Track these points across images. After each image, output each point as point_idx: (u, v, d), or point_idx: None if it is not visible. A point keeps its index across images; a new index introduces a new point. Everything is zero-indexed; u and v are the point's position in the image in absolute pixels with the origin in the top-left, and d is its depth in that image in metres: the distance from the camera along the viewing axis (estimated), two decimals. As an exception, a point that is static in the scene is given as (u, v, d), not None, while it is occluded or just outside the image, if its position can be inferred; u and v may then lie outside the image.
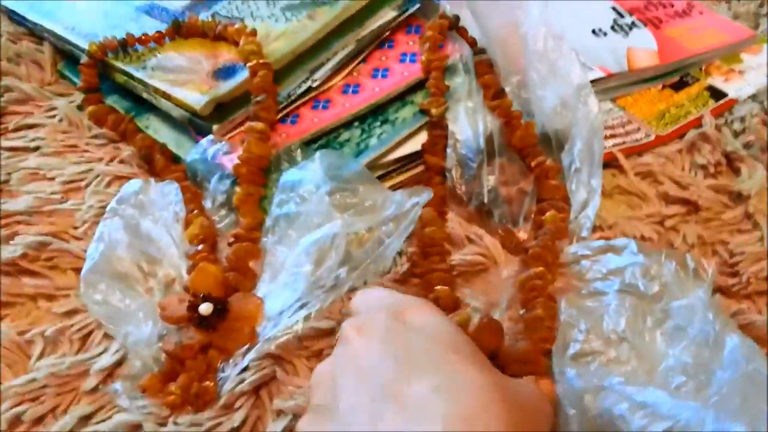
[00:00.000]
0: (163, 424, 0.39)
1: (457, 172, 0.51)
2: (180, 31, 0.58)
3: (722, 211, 0.50)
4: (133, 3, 0.63)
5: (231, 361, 0.42)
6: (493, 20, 0.59)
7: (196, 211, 0.49)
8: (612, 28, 0.64)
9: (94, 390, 0.41)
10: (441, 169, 0.51)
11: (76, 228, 0.49)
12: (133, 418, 0.39)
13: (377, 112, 0.54)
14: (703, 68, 0.62)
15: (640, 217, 0.50)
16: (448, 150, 0.52)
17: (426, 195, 0.45)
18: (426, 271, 0.45)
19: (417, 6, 0.60)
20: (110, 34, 0.58)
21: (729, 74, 0.61)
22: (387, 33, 0.59)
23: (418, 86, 0.56)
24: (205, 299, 0.43)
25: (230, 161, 0.50)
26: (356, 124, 0.53)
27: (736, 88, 0.60)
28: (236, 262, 0.46)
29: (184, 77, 0.54)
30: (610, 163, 0.53)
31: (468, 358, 0.31)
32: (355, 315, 0.37)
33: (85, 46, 0.58)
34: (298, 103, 0.54)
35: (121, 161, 0.54)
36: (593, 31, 0.63)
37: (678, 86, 0.60)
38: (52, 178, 0.52)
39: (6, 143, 0.55)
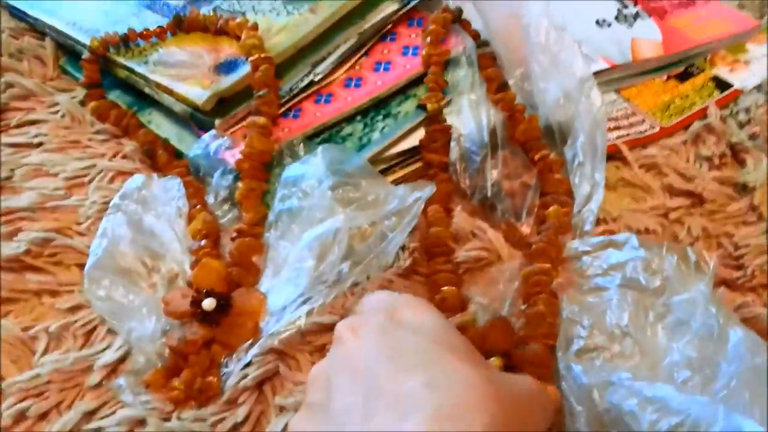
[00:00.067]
0: (166, 420, 0.39)
1: (461, 166, 0.51)
2: (181, 25, 0.58)
3: (727, 203, 0.49)
4: (134, -2, 0.63)
5: (234, 356, 0.42)
6: (496, 12, 0.59)
7: (198, 207, 0.49)
8: (616, 18, 0.63)
9: (98, 385, 0.41)
10: (442, 164, 0.51)
11: (79, 224, 0.49)
12: (136, 413, 0.39)
13: (379, 105, 0.54)
14: (708, 58, 0.61)
15: (644, 209, 0.50)
16: (452, 143, 0.51)
17: (429, 189, 0.45)
18: (432, 272, 0.45)
19: (419, -2, 0.60)
20: (112, 30, 0.58)
21: (734, 64, 0.61)
22: (389, 26, 0.59)
23: (421, 79, 0.55)
24: (208, 294, 0.43)
25: (232, 156, 0.50)
26: (358, 118, 0.53)
27: (741, 78, 0.59)
28: (239, 258, 0.46)
29: (185, 72, 0.54)
30: (614, 155, 0.53)
31: (461, 355, 0.31)
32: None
33: (86, 41, 0.58)
34: (300, 97, 0.54)
35: (124, 157, 0.54)
36: (597, 22, 0.63)
37: (683, 77, 0.60)
38: (55, 174, 0.52)
39: (8, 139, 0.55)
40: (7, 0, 0.66)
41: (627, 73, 0.59)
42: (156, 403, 0.40)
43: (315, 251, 0.43)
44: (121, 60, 0.57)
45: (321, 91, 0.55)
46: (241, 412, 0.39)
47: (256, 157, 0.49)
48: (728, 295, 0.44)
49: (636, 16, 0.64)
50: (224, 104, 0.53)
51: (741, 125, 0.55)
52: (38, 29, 0.65)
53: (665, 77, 0.60)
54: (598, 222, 0.48)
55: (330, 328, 0.43)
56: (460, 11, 0.59)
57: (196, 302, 0.42)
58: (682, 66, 0.61)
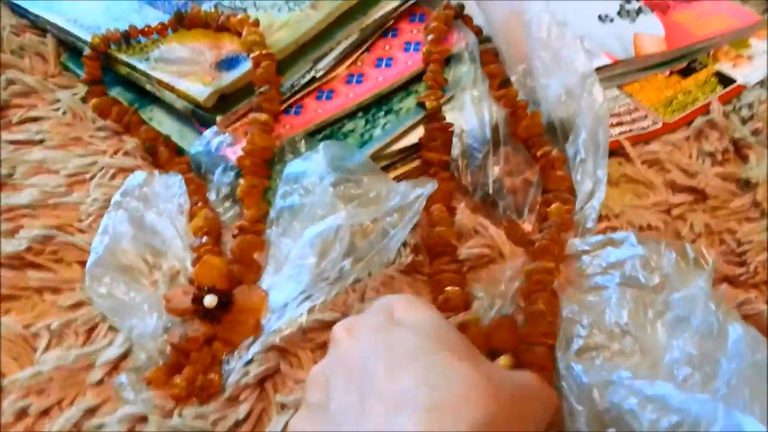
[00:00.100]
0: (168, 417, 0.39)
1: (463, 163, 0.51)
2: (183, 21, 0.58)
3: (730, 200, 0.49)
4: (135, -6, 0.63)
5: (236, 353, 0.42)
6: (497, 8, 0.59)
7: (200, 204, 0.49)
8: (618, 13, 0.63)
9: (100, 383, 0.41)
10: (442, 163, 0.50)
11: (80, 221, 0.49)
12: (138, 410, 0.39)
13: (381, 102, 0.54)
14: (711, 54, 0.61)
15: (646, 205, 0.49)
16: (454, 140, 0.51)
17: (431, 186, 0.45)
18: (435, 272, 0.45)
19: (421, -7, 0.59)
20: (113, 26, 0.58)
21: (737, 60, 0.61)
22: (390, 22, 0.59)
23: (422, 76, 0.55)
24: (210, 291, 0.43)
25: (234, 153, 0.50)
26: (360, 114, 0.53)
27: (744, 73, 0.59)
28: (240, 255, 0.46)
29: (187, 68, 0.54)
30: (616, 151, 0.53)
31: (457, 352, 0.31)
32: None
33: (87, 38, 0.58)
34: (301, 93, 0.54)
35: (125, 153, 0.54)
36: (599, 17, 0.63)
37: (686, 72, 0.60)
38: (57, 171, 0.52)
39: (10, 136, 0.55)
40: (8, -3, 0.66)
41: (629, 68, 0.59)
42: (157, 401, 0.40)
43: (316, 248, 0.43)
44: (122, 57, 0.57)
45: (322, 88, 0.55)
46: (242, 410, 0.39)
47: (258, 153, 0.49)
48: (730, 292, 0.44)
49: (638, 11, 0.63)
50: (226, 101, 0.52)
51: (744, 121, 0.55)
52: (39, 26, 0.65)
53: (668, 73, 0.60)
54: (600, 218, 0.48)
55: (331, 325, 0.42)
56: (462, 7, 0.59)
57: (197, 299, 0.42)
58: (684, 61, 0.61)
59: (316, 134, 0.52)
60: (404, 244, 0.47)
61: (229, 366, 0.41)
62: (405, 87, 0.55)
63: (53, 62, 0.62)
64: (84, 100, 0.58)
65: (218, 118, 0.52)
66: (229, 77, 0.53)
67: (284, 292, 0.43)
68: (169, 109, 0.55)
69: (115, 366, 0.42)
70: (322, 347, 0.42)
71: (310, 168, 0.47)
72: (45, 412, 0.40)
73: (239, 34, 0.55)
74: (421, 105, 0.53)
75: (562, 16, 0.55)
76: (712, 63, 0.60)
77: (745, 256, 0.46)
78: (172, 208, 0.49)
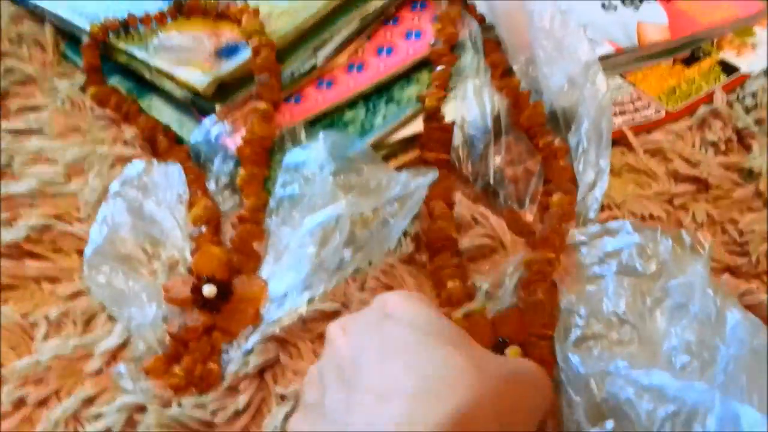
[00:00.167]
0: (166, 406, 0.39)
1: (464, 152, 0.51)
2: (182, 10, 0.58)
3: (732, 189, 0.49)
4: (134, -18, 0.62)
5: (235, 343, 0.42)
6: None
7: (199, 193, 0.49)
8: (622, 1, 0.62)
9: (98, 372, 0.41)
10: (441, 162, 0.50)
11: (79, 210, 0.49)
12: (136, 400, 0.39)
13: (382, 90, 0.53)
14: (715, 42, 0.61)
15: (648, 195, 0.49)
16: (455, 129, 0.51)
17: (431, 175, 0.45)
18: (437, 267, 0.45)
19: (422, -18, 0.59)
20: (112, 15, 0.57)
21: (741, 48, 0.60)
22: (392, 10, 0.58)
23: (424, 64, 0.55)
24: (209, 281, 0.42)
25: (233, 142, 0.50)
26: (361, 103, 0.53)
27: (748, 62, 0.58)
28: (240, 244, 0.46)
29: (186, 57, 0.54)
30: (619, 140, 0.52)
31: (446, 341, 0.31)
32: None
33: (86, 26, 0.57)
34: (302, 82, 0.54)
35: (124, 143, 0.54)
36: (603, 5, 0.62)
37: (689, 61, 0.59)
38: (55, 161, 0.52)
39: (8, 125, 0.55)
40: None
41: (633, 57, 0.59)
42: (156, 390, 0.40)
43: (316, 237, 0.43)
44: (121, 45, 0.57)
45: (323, 76, 0.54)
46: (241, 400, 0.39)
47: (257, 142, 0.49)
48: (732, 282, 0.43)
49: (642, -1, 0.63)
50: (225, 89, 0.52)
51: (747, 110, 0.54)
52: (38, 15, 0.64)
53: (671, 61, 0.59)
54: (602, 208, 0.48)
55: (331, 315, 0.43)
56: (465, -4, 0.58)
57: (196, 289, 0.42)
58: (688, 50, 0.60)
59: (316, 123, 0.52)
60: (405, 234, 0.46)
61: (229, 356, 0.41)
62: (406, 76, 0.54)
63: (52, 51, 0.62)
64: (83, 89, 0.58)
65: (218, 107, 0.51)
66: (228, 66, 0.52)
67: (284, 281, 0.43)
68: (168, 97, 0.55)
69: (114, 355, 0.42)
70: (322, 338, 0.41)
71: (310, 157, 0.47)
72: (43, 402, 0.40)
73: (239, 22, 0.55)
74: (418, 99, 0.52)
75: (565, 5, 0.54)
76: (716, 52, 0.60)
77: (747, 246, 0.46)
78: (171, 198, 0.49)
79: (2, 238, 0.46)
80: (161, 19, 0.57)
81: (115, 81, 0.58)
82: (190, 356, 0.40)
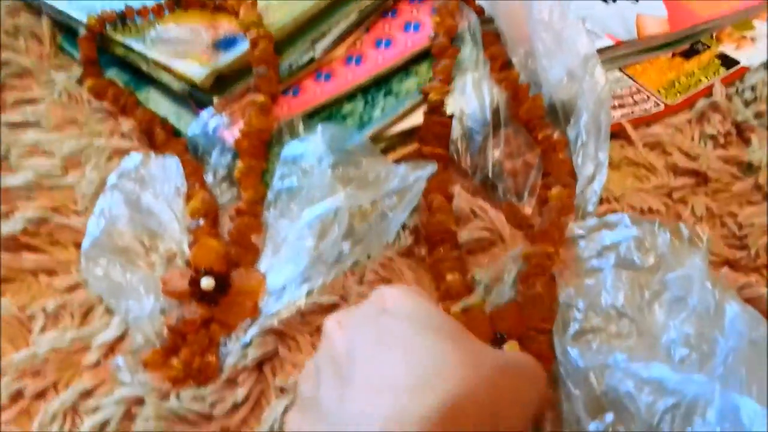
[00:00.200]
0: (165, 399, 0.39)
1: (462, 145, 0.50)
2: (179, 2, 0.58)
3: (731, 183, 0.49)
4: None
5: (233, 336, 0.41)
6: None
7: (197, 186, 0.49)
8: (621, -6, 0.62)
9: (96, 365, 0.41)
10: (438, 156, 0.50)
11: (76, 203, 0.49)
12: (134, 392, 0.39)
13: (381, 83, 0.53)
14: (715, 35, 0.61)
15: (647, 189, 0.49)
16: (454, 122, 0.51)
17: (430, 168, 0.45)
18: (436, 260, 0.45)
19: (421, -26, 0.59)
20: (109, 7, 0.57)
21: (741, 41, 0.60)
22: (390, 2, 0.58)
23: (423, 57, 0.54)
24: (207, 274, 0.42)
25: (231, 135, 0.49)
26: (359, 96, 0.53)
27: (747, 55, 0.58)
28: (238, 237, 0.45)
29: (183, 49, 0.54)
30: (618, 133, 0.52)
31: (443, 335, 0.31)
32: None
33: (83, 19, 0.57)
34: (300, 74, 0.53)
35: (122, 135, 0.53)
36: (602, -1, 0.62)
37: (688, 54, 0.59)
38: (52, 153, 0.52)
39: (5, 118, 0.54)
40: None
41: (632, 50, 0.59)
42: (154, 383, 0.39)
43: (315, 230, 0.43)
44: (118, 37, 0.56)
45: (321, 69, 0.54)
46: (240, 393, 0.39)
47: (255, 135, 0.49)
48: (731, 276, 0.43)
49: (641, -8, 0.63)
50: (223, 82, 0.52)
51: (747, 103, 0.54)
52: (35, 7, 0.64)
53: (670, 54, 0.59)
54: (600, 201, 0.48)
55: (330, 308, 0.42)
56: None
57: (194, 282, 0.42)
58: (687, 43, 0.60)
59: (314, 116, 0.52)
60: (403, 227, 0.46)
61: (227, 349, 0.41)
62: (405, 68, 0.54)
63: (48, 43, 0.62)
64: (80, 81, 0.58)
65: (215, 100, 0.51)
66: (226, 58, 0.52)
67: (282, 274, 0.43)
68: (166, 90, 0.55)
69: (112, 348, 0.42)
70: (320, 331, 0.41)
71: (308, 150, 0.47)
72: (40, 394, 0.40)
73: (236, 14, 0.55)
74: (421, 92, 0.52)
75: (564, -2, 0.54)
76: (715, 44, 0.60)
77: (746, 239, 0.46)
78: (168, 190, 0.48)
79: (0, 231, 0.46)
80: (159, 11, 0.57)
81: (112, 73, 0.58)
82: (188, 349, 0.40)
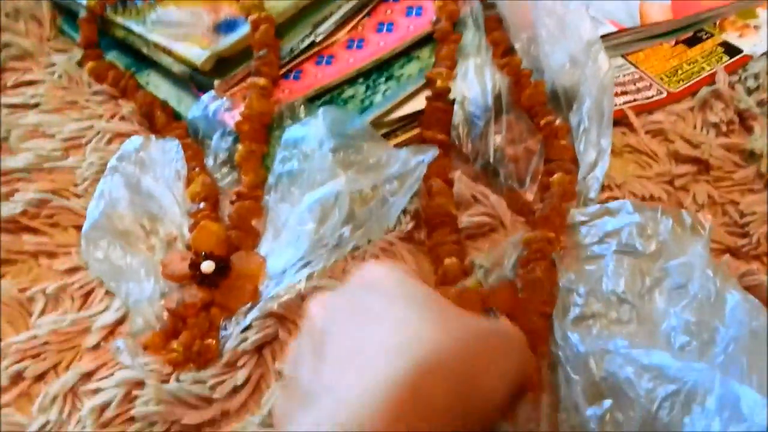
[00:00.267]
0: (165, 381, 0.39)
1: (464, 131, 0.50)
2: (180, -16, 0.57)
3: (734, 171, 0.49)
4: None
5: (233, 319, 0.41)
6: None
7: (197, 169, 0.49)
8: (625, -19, 0.62)
9: (96, 347, 0.41)
10: (439, 142, 0.49)
11: (76, 185, 0.49)
12: (135, 374, 0.39)
13: (382, 67, 0.53)
14: (718, 23, 0.60)
15: (649, 176, 0.49)
16: (456, 107, 0.50)
17: (431, 153, 0.45)
18: (435, 244, 0.44)
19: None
20: (109, -12, 0.57)
21: (744, 30, 0.60)
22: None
23: (424, 41, 0.54)
24: (207, 257, 0.42)
25: (232, 118, 0.49)
26: (361, 80, 0.52)
27: (750, 44, 0.58)
28: (238, 221, 0.45)
29: (184, 32, 0.53)
30: (620, 120, 0.52)
31: (414, 304, 0.31)
32: None
33: (83, 1, 0.57)
34: (301, 58, 0.53)
35: (122, 118, 0.53)
36: (605, -16, 0.61)
37: (691, 42, 0.59)
38: (52, 135, 0.52)
39: (5, 100, 0.54)
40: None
41: (635, 37, 0.58)
42: (154, 365, 0.40)
43: (315, 214, 0.43)
44: (118, 20, 0.56)
45: (322, 53, 0.54)
46: (240, 376, 0.39)
47: (256, 118, 0.48)
48: (733, 263, 0.43)
49: (645, -21, 0.62)
50: (224, 65, 0.52)
51: (749, 91, 0.54)
52: (35, -12, 0.64)
53: (673, 42, 0.59)
54: (602, 188, 0.47)
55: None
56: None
57: (194, 265, 0.42)
58: (690, 31, 0.60)
59: (315, 100, 0.51)
60: (404, 212, 0.46)
61: (227, 332, 0.41)
62: (406, 53, 0.54)
63: (49, 25, 0.61)
64: (80, 64, 0.58)
65: (216, 83, 0.51)
66: (227, 41, 0.52)
67: (283, 258, 0.43)
68: (167, 73, 0.54)
69: (112, 331, 0.42)
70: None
71: (309, 133, 0.46)
72: (41, 376, 0.40)
73: (238, -3, 0.54)
74: (427, 78, 0.52)
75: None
76: (718, 33, 0.59)
77: (747, 227, 0.45)
78: (169, 174, 0.48)
79: (0, 212, 0.46)
80: (159, -7, 0.57)
81: (112, 56, 0.58)
82: (188, 332, 0.40)
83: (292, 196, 0.45)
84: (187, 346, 0.40)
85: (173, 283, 0.42)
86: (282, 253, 0.43)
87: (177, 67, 0.52)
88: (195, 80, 0.52)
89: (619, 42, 0.58)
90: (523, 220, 0.47)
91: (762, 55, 0.57)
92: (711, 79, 0.55)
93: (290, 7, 0.53)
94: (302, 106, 0.50)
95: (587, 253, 0.43)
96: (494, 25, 0.55)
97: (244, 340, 0.40)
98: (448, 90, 0.51)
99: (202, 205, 0.46)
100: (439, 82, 0.51)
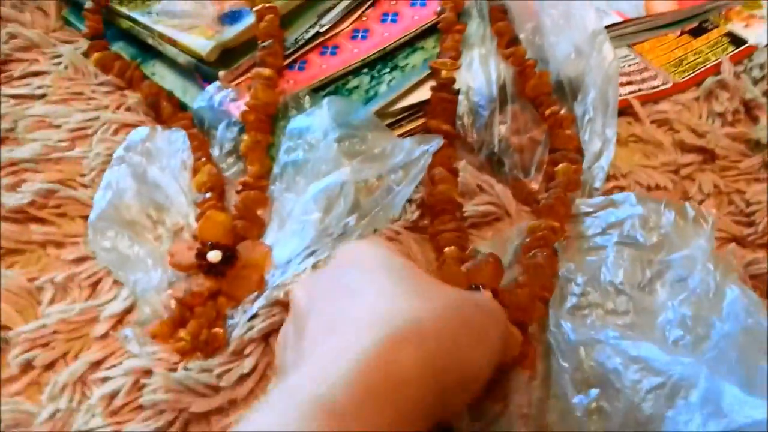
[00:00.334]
0: (172, 370, 0.39)
1: (469, 120, 0.50)
2: (185, -25, 0.57)
3: (739, 160, 0.49)
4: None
5: (240, 308, 0.42)
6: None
7: (203, 159, 0.49)
8: (630, -29, 0.62)
9: (105, 336, 0.41)
10: (444, 132, 0.49)
11: (83, 175, 0.49)
12: (143, 363, 0.39)
13: (387, 58, 0.53)
14: (723, 14, 0.60)
15: (655, 165, 0.49)
16: (460, 97, 0.50)
17: (436, 142, 0.45)
18: (436, 231, 0.45)
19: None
20: (115, -21, 0.57)
21: (749, 20, 0.59)
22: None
23: (429, 31, 0.54)
24: (214, 247, 0.42)
25: (237, 108, 0.49)
26: (365, 70, 0.52)
27: (756, 34, 0.58)
28: (244, 210, 0.45)
29: (189, 22, 0.53)
30: (625, 110, 0.52)
31: (392, 276, 0.31)
32: None
33: (88, -9, 0.57)
34: (305, 48, 0.53)
35: (128, 109, 0.53)
36: (610, -26, 0.61)
37: (697, 32, 0.59)
38: (59, 126, 0.52)
39: (11, 91, 0.54)
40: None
41: (640, 27, 0.58)
42: (162, 354, 0.40)
43: (321, 204, 0.43)
44: (124, 10, 0.56)
45: (327, 43, 0.54)
46: (247, 364, 0.39)
47: (261, 109, 0.49)
48: (738, 252, 0.44)
49: (650, -32, 0.62)
50: (229, 55, 0.52)
51: (755, 81, 0.54)
52: (40, -21, 0.64)
53: (679, 32, 0.59)
54: (607, 178, 0.48)
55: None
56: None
57: (201, 254, 0.42)
58: (696, 21, 0.60)
59: (320, 90, 0.51)
60: (409, 201, 0.46)
61: (233, 321, 0.41)
62: (411, 43, 0.54)
63: (54, 16, 0.61)
64: (86, 54, 0.58)
65: (221, 73, 0.51)
66: (232, 31, 0.52)
67: (288, 247, 0.43)
68: (172, 63, 0.55)
69: (120, 320, 0.42)
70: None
71: (314, 123, 0.46)
72: (50, 365, 0.40)
73: (243, -12, 0.54)
74: (432, 68, 0.52)
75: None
76: (723, 23, 0.59)
77: (753, 216, 0.46)
78: (175, 164, 0.48)
79: (8, 203, 0.46)
80: (165, -16, 0.57)
81: (118, 47, 0.58)
82: (195, 321, 0.41)
83: (297, 185, 0.45)
84: (194, 335, 0.40)
85: (180, 273, 0.43)
86: (287, 242, 0.43)
87: (182, 58, 0.53)
88: (200, 71, 0.52)
89: (624, 32, 0.57)
90: (528, 210, 0.47)
91: (767, 45, 0.57)
92: (716, 69, 0.55)
93: (295, -2, 0.53)
94: (307, 97, 0.50)
95: (589, 243, 0.43)
96: (499, 16, 0.55)
97: (251, 328, 0.40)
98: (453, 80, 0.51)
99: (208, 195, 0.47)
100: (443, 73, 0.51)
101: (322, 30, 0.54)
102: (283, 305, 0.41)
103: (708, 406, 0.32)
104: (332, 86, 0.52)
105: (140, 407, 0.38)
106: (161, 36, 0.53)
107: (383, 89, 0.51)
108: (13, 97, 0.54)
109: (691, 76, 0.55)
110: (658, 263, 0.40)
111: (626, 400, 0.33)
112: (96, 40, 0.57)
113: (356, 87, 0.51)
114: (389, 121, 0.50)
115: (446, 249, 0.43)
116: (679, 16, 0.59)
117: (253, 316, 0.41)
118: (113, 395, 0.39)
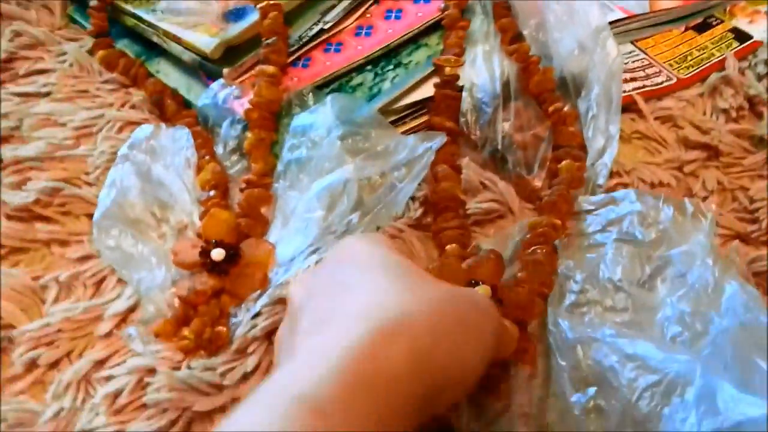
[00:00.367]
0: (176, 369, 0.39)
1: (472, 117, 0.50)
2: (189, -28, 0.57)
3: (743, 157, 0.49)
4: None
5: (243, 306, 0.42)
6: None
7: (207, 157, 0.49)
8: (634, -34, 0.62)
9: (108, 335, 0.42)
10: (446, 129, 0.49)
11: (88, 174, 0.49)
12: (146, 362, 0.40)
13: (390, 55, 0.53)
14: (728, 9, 0.60)
15: (658, 162, 0.49)
16: (464, 94, 0.50)
17: (439, 140, 0.45)
18: (439, 228, 0.45)
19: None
20: (119, -23, 0.57)
21: (754, 15, 0.59)
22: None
23: (433, 28, 0.54)
24: (217, 245, 0.42)
25: (241, 106, 0.49)
26: (369, 67, 0.52)
27: (761, 30, 0.58)
28: (248, 208, 0.46)
29: (194, 20, 0.53)
30: (629, 107, 0.52)
31: (386, 272, 0.31)
32: None
33: (93, -11, 0.57)
34: (309, 46, 0.53)
35: (133, 106, 0.53)
36: (614, -30, 0.61)
37: (701, 28, 0.58)
38: (64, 124, 0.52)
39: (16, 89, 0.55)
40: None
41: (644, 23, 0.58)
42: (166, 352, 0.40)
43: (324, 201, 0.43)
44: (128, 8, 0.56)
45: (331, 40, 0.54)
46: (250, 362, 0.40)
47: (265, 106, 0.49)
48: (742, 249, 0.43)
49: (655, -36, 0.62)
50: (233, 52, 0.52)
51: (759, 77, 0.54)
52: (44, -23, 0.64)
53: (683, 28, 0.59)
54: (611, 175, 0.48)
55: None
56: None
57: (205, 252, 0.42)
58: (700, 17, 0.59)
59: (324, 87, 0.51)
60: (412, 198, 0.46)
61: (237, 319, 0.41)
62: (415, 40, 0.54)
63: (59, 14, 0.61)
64: (91, 52, 0.58)
65: (225, 71, 0.51)
66: (236, 28, 0.52)
67: (291, 245, 0.43)
68: (176, 61, 0.55)
69: (124, 318, 0.42)
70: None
71: (317, 121, 0.47)
72: (54, 364, 0.41)
73: (246, -15, 0.54)
74: (436, 65, 0.52)
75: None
76: (728, 18, 0.59)
77: (756, 213, 0.45)
78: (179, 162, 0.49)
79: (12, 201, 0.46)
80: (168, -19, 0.57)
81: (123, 44, 0.58)
82: (199, 319, 0.41)
83: (300, 183, 0.45)
84: (197, 334, 0.40)
85: (184, 271, 0.43)
86: (291, 240, 0.44)
87: (187, 55, 0.53)
88: (204, 68, 0.52)
89: (628, 28, 0.57)
90: (531, 207, 0.47)
91: (772, 40, 0.57)
92: (721, 65, 0.55)
93: (298, -5, 0.53)
94: (311, 94, 0.50)
95: (589, 241, 0.43)
96: (502, 12, 0.55)
97: (254, 326, 0.40)
98: (457, 77, 0.51)
99: (212, 192, 0.47)
100: (447, 69, 0.51)
101: (326, 27, 0.54)
102: (286, 303, 0.41)
103: (703, 404, 0.32)
104: (336, 83, 0.52)
105: (144, 406, 0.38)
106: (166, 33, 0.54)
107: (387, 86, 0.51)
108: (18, 95, 0.54)
109: (695, 72, 0.54)
110: (657, 259, 0.40)
111: (623, 398, 0.34)
112: (101, 38, 0.57)
113: (360, 84, 0.51)
114: (393, 118, 0.50)
115: (448, 246, 0.43)
116: (683, 12, 0.59)
117: (257, 315, 0.41)
118: (117, 394, 0.39)
